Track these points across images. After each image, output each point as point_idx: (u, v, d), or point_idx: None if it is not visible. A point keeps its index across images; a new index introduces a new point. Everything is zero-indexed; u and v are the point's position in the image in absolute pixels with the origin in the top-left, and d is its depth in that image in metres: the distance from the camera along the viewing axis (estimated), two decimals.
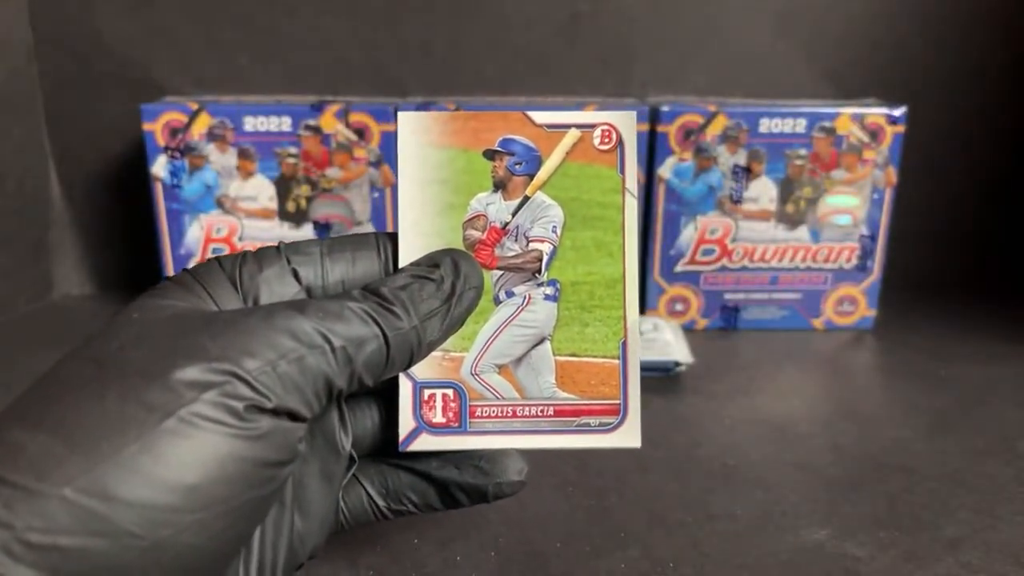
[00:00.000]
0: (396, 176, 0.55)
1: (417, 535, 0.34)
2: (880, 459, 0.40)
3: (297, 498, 0.26)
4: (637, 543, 0.33)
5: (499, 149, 0.28)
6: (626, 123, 0.28)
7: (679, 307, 0.58)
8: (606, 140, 0.28)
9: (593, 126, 0.28)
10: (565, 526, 0.35)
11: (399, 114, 0.28)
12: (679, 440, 0.42)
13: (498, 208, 0.27)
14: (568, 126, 0.28)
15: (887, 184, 0.56)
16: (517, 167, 0.28)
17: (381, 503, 0.28)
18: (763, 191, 0.56)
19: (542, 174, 0.28)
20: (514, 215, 0.28)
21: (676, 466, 0.40)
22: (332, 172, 0.55)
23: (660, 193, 0.56)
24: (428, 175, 0.27)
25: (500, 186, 0.28)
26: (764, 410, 0.46)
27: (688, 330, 0.58)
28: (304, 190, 0.56)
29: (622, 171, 0.28)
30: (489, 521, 0.35)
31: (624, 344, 0.27)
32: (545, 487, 0.37)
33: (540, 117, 0.28)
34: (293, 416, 0.22)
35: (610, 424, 0.27)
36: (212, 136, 0.54)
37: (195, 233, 0.56)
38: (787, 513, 0.36)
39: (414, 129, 0.27)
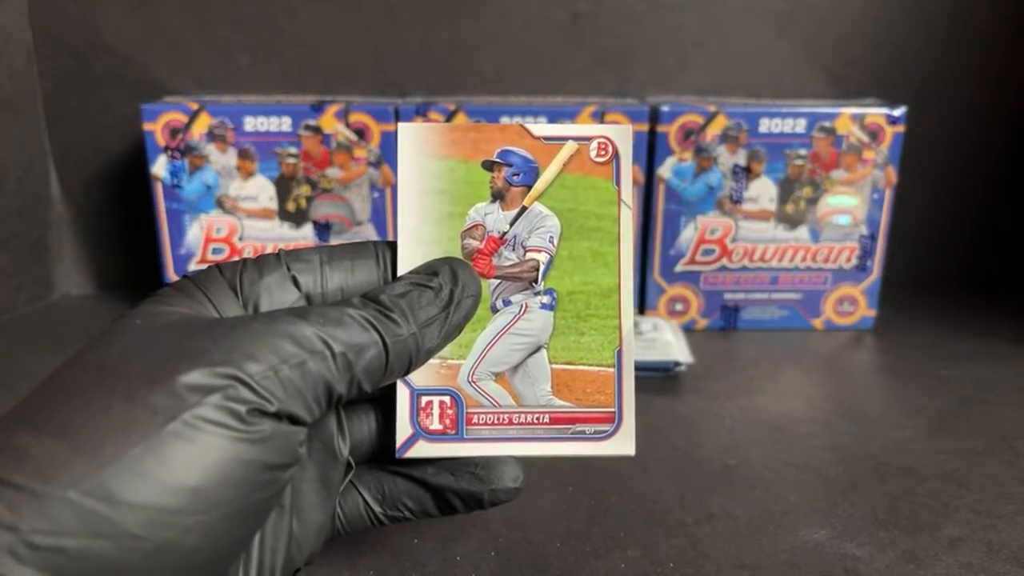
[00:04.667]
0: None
1: (417, 535, 0.34)
2: (880, 459, 0.40)
3: (295, 503, 0.26)
4: (637, 543, 0.33)
5: (497, 160, 0.28)
6: (622, 136, 0.28)
7: (679, 307, 0.58)
8: (602, 152, 0.28)
9: (590, 139, 0.28)
10: (565, 526, 0.35)
11: (399, 125, 0.28)
12: (679, 440, 0.42)
13: (496, 218, 0.28)
14: (565, 138, 0.28)
15: (887, 184, 0.56)
16: (515, 178, 0.28)
17: (377, 509, 0.28)
18: (763, 191, 0.56)
19: (539, 185, 0.28)
20: (512, 225, 0.28)
21: (676, 466, 0.40)
22: (332, 172, 0.55)
23: (660, 193, 0.56)
24: (427, 185, 0.28)
25: (498, 196, 0.28)
26: (764, 410, 0.46)
27: (688, 330, 0.58)
28: (304, 190, 0.56)
29: (618, 183, 0.28)
30: (489, 521, 0.35)
31: (619, 353, 0.28)
32: (545, 487, 0.37)
33: (538, 129, 0.28)
34: (294, 420, 0.22)
35: (605, 432, 0.28)
36: (212, 136, 0.54)
37: (195, 233, 0.56)
38: (787, 513, 0.36)
39: (414, 139, 0.28)
